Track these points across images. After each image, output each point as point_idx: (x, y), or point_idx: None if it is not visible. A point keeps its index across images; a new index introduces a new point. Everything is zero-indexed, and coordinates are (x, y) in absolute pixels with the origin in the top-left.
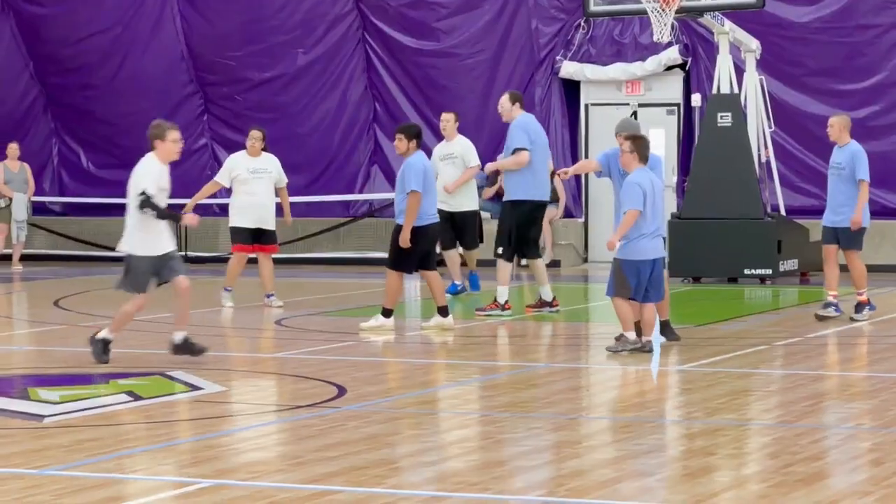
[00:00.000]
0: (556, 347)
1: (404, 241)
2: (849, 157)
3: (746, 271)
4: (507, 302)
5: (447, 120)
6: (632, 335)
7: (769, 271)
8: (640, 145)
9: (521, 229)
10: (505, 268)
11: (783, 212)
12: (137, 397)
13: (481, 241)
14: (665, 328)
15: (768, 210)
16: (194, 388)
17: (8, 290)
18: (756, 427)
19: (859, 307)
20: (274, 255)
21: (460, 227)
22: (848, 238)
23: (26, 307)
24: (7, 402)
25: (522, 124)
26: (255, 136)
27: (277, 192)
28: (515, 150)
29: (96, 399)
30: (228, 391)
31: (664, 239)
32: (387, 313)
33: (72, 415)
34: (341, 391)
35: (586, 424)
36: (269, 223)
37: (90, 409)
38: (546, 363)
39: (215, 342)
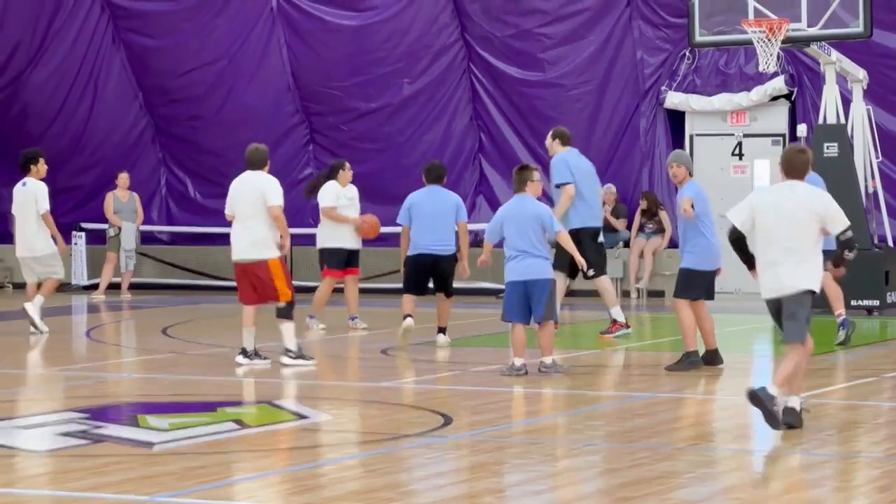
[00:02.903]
0: (659, 377)
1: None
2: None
3: (853, 302)
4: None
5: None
6: (519, 361)
7: (876, 303)
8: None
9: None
10: (609, 288)
11: (890, 243)
12: (245, 426)
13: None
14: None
15: (875, 241)
16: (300, 416)
17: (117, 319)
18: (865, 460)
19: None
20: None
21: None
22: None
23: (135, 335)
24: (118, 428)
25: (561, 159)
26: (348, 166)
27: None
28: (559, 186)
29: (205, 427)
30: (334, 420)
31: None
32: (406, 316)
33: (181, 442)
34: (447, 420)
35: (692, 455)
36: (359, 244)
37: (199, 436)
38: (650, 393)
39: (319, 371)
